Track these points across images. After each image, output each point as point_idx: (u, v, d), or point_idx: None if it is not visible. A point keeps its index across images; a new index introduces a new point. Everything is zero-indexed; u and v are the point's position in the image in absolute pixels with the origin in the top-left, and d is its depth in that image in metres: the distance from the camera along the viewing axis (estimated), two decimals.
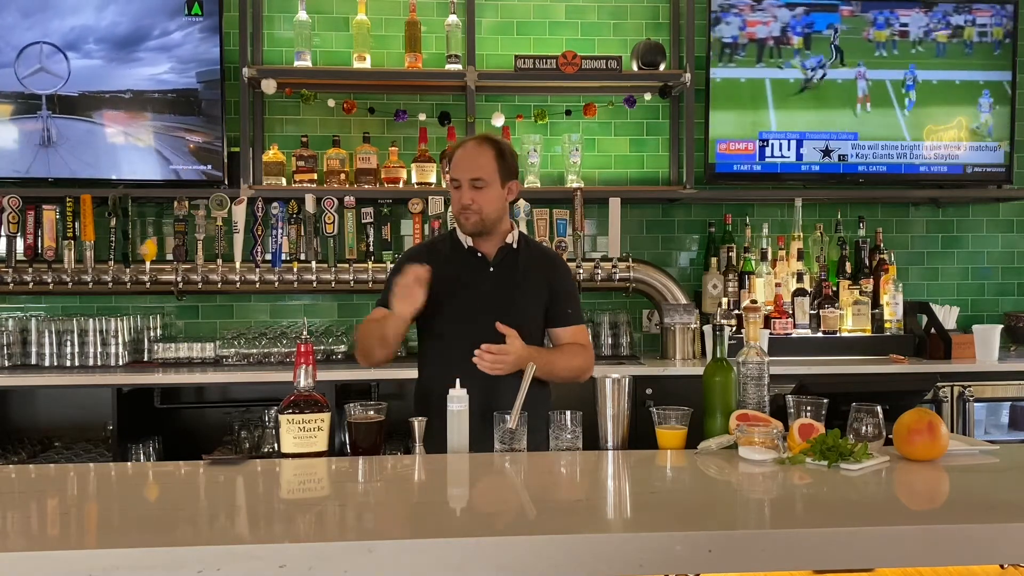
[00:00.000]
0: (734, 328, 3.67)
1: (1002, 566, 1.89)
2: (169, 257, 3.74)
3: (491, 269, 2.42)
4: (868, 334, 3.83)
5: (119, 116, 3.72)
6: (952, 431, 3.04)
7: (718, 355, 2.11)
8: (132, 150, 3.74)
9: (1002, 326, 3.81)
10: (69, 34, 3.68)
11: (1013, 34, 4.02)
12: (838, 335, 3.80)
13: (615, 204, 3.83)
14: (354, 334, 2.43)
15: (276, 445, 2.17)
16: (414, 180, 3.86)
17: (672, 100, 4.09)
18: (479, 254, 2.43)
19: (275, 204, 3.69)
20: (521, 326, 2.35)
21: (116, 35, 3.70)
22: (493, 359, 2.20)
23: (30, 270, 3.63)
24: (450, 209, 3.67)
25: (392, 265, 3.63)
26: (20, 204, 3.61)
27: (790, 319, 3.80)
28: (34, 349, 3.65)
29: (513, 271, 2.43)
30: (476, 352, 2.21)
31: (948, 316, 3.94)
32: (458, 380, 2.05)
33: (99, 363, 3.64)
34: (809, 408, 1.95)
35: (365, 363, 2.41)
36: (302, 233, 3.73)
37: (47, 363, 3.63)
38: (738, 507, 1.58)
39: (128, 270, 3.68)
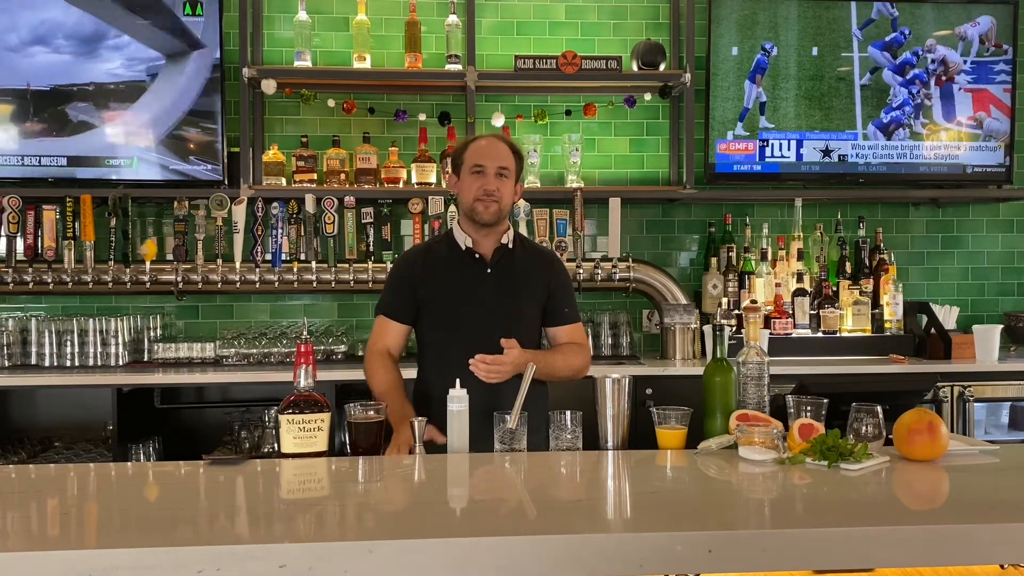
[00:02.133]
0: (734, 328, 3.67)
1: (1002, 566, 1.88)
2: (169, 257, 3.74)
3: (488, 270, 2.42)
4: (868, 334, 3.83)
5: (117, 115, 3.72)
6: (952, 431, 3.05)
7: (718, 355, 2.11)
8: (132, 149, 3.74)
9: (1002, 326, 3.81)
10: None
11: (1013, 35, 4.02)
12: (838, 335, 3.80)
13: (615, 204, 3.84)
14: (367, 355, 2.42)
15: (276, 445, 2.17)
16: (414, 180, 3.86)
17: (672, 100, 4.09)
18: (477, 255, 2.42)
19: (275, 204, 3.69)
20: (519, 326, 2.35)
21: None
22: (488, 369, 2.20)
23: (30, 270, 3.63)
24: (451, 208, 3.69)
25: (391, 265, 3.66)
26: (20, 204, 3.61)
27: (790, 319, 3.80)
28: (34, 349, 3.65)
29: (511, 271, 2.43)
30: (471, 362, 2.20)
31: (948, 316, 3.94)
32: (458, 380, 2.05)
33: (99, 363, 3.65)
34: (809, 408, 1.95)
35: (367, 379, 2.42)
36: (302, 233, 3.73)
37: (47, 363, 3.64)
38: (738, 507, 1.58)
39: (128, 270, 3.68)
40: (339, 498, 1.64)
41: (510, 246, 2.45)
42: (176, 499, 1.65)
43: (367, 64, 3.86)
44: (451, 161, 2.48)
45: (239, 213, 3.66)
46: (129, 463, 3.19)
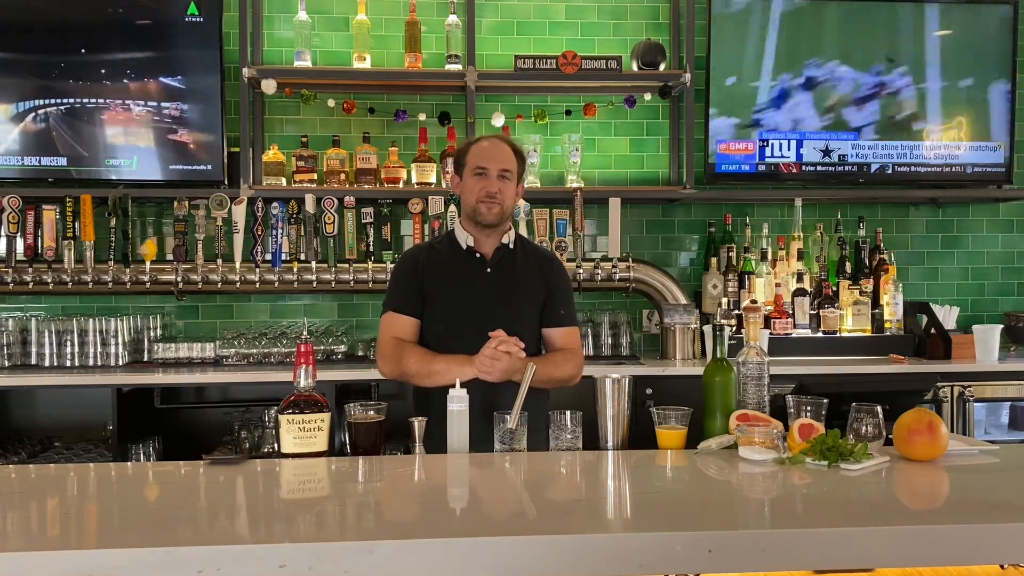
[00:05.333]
0: (734, 328, 3.67)
1: (1002, 566, 1.89)
2: (169, 257, 3.74)
3: (489, 270, 2.42)
4: (868, 334, 3.83)
5: (118, 116, 3.72)
6: (952, 431, 3.04)
7: (718, 355, 2.11)
8: (132, 149, 3.74)
9: (1002, 326, 3.81)
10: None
11: (1013, 34, 4.02)
12: (838, 335, 3.80)
13: (615, 204, 3.84)
14: (383, 350, 2.38)
15: (276, 445, 2.17)
16: (414, 180, 3.86)
17: (672, 100, 4.09)
18: (477, 255, 2.43)
19: (275, 204, 3.69)
20: (518, 326, 2.35)
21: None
22: (493, 354, 2.18)
23: (30, 270, 3.63)
24: (450, 208, 3.69)
25: (392, 265, 3.66)
26: (20, 204, 3.61)
27: (790, 319, 3.80)
28: (34, 349, 3.65)
29: (511, 271, 2.43)
30: (493, 335, 2.20)
31: (948, 316, 3.94)
32: (458, 380, 2.05)
33: (99, 363, 3.64)
34: (809, 408, 1.95)
35: (391, 374, 2.38)
36: (302, 233, 3.73)
37: (47, 363, 3.63)
38: (738, 507, 1.58)
39: (128, 270, 3.68)
40: (339, 498, 1.64)
41: (511, 246, 2.46)
42: (176, 499, 1.65)
43: (367, 64, 3.86)
44: (454, 161, 2.49)
45: (239, 213, 3.66)
46: (129, 463, 3.19)
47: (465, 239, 2.43)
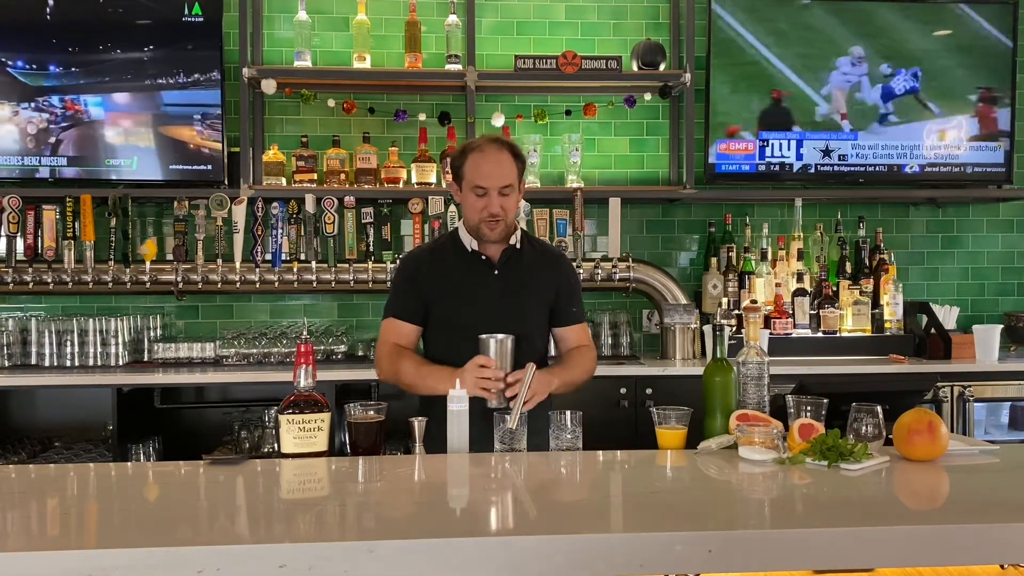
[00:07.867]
0: (734, 328, 3.67)
1: (1002, 566, 1.89)
2: (169, 257, 3.74)
3: (496, 272, 2.40)
4: (868, 334, 3.83)
5: (118, 116, 3.72)
6: (952, 431, 3.05)
7: (718, 355, 2.11)
8: (132, 149, 3.74)
9: (1002, 326, 3.81)
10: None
11: (1013, 34, 4.02)
12: (838, 335, 3.80)
13: (615, 204, 3.84)
14: (380, 355, 2.39)
15: (276, 445, 2.17)
16: (414, 180, 3.86)
17: (672, 100, 4.08)
18: (483, 257, 2.40)
19: (275, 204, 3.69)
20: (525, 327, 2.34)
21: None
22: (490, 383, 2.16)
23: (30, 270, 3.63)
24: (451, 208, 3.69)
25: (393, 267, 3.66)
26: (20, 204, 3.61)
27: (790, 319, 3.80)
28: (34, 349, 3.65)
29: (518, 272, 2.41)
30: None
31: (948, 316, 3.94)
32: (458, 380, 2.04)
33: (99, 363, 3.64)
34: (809, 408, 1.95)
35: (387, 380, 2.39)
36: (302, 233, 3.73)
37: (47, 363, 3.63)
38: (738, 507, 1.58)
39: (128, 270, 3.68)
40: (339, 498, 1.64)
41: (518, 246, 2.43)
42: (176, 499, 1.65)
43: (367, 64, 3.86)
44: (451, 166, 2.43)
45: (239, 213, 3.66)
46: (129, 463, 3.19)
47: (470, 242, 2.40)
